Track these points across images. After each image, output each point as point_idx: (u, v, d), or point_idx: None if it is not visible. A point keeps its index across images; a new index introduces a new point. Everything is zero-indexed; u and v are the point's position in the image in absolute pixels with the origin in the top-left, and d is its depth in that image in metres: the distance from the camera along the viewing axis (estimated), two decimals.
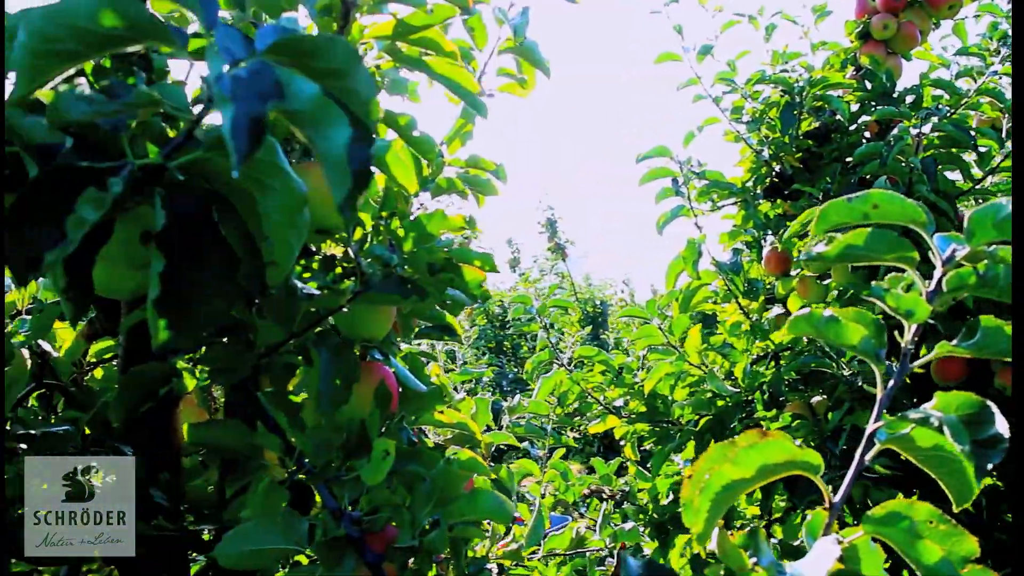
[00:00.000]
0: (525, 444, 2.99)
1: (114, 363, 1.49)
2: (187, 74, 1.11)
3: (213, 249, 0.76)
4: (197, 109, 0.67)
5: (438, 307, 1.27)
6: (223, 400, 1.51)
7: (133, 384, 0.96)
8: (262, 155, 0.76)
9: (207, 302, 0.76)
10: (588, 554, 1.67)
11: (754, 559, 0.78)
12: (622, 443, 2.56)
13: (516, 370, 7.75)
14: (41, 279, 1.45)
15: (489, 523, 1.44)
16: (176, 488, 1.26)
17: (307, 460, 0.99)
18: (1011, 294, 0.68)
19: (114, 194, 0.66)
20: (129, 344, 1.32)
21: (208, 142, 0.70)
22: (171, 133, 0.89)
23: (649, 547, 2.28)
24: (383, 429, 1.10)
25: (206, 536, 1.25)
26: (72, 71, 0.63)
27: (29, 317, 1.22)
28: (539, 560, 1.56)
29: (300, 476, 0.98)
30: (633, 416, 2.46)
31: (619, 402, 2.49)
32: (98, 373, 1.46)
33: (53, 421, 1.16)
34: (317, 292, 0.97)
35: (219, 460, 1.30)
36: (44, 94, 0.62)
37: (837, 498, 0.81)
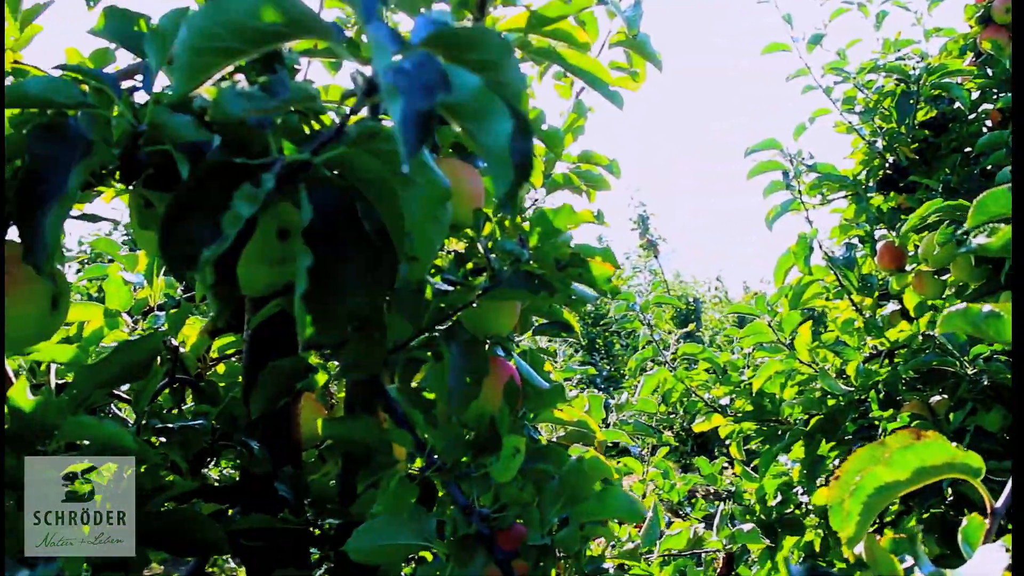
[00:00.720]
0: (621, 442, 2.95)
1: (235, 359, 1.52)
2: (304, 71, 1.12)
3: (357, 244, 0.76)
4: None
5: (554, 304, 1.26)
6: (341, 396, 1.53)
7: (272, 378, 0.97)
8: (395, 147, 0.76)
9: (351, 297, 0.76)
10: (703, 555, 1.63)
11: (906, 565, 0.74)
12: (727, 442, 2.51)
13: (608, 368, 7.70)
14: (164, 276, 1.49)
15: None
16: (299, 482, 1.27)
17: (437, 456, 0.99)
18: None
19: (267, 190, 0.67)
20: (255, 339, 1.34)
21: (352, 137, 0.69)
22: (305, 129, 0.90)
23: (755, 548, 2.23)
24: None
25: (317, 531, 1.26)
26: (229, 68, 0.63)
27: (162, 313, 1.25)
28: (648, 561, 1.53)
29: (430, 472, 0.98)
30: (739, 415, 2.41)
31: (724, 400, 2.44)
32: (220, 368, 1.50)
33: (186, 415, 1.19)
34: (449, 288, 0.97)
35: (342, 455, 1.32)
36: (208, 91, 0.63)
37: (999, 504, 0.77)
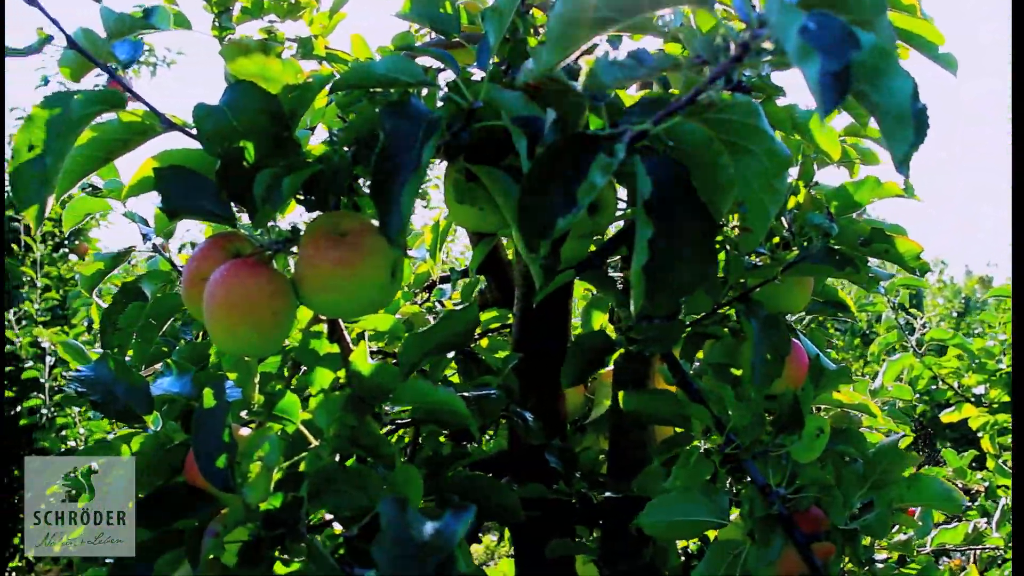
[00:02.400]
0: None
1: (498, 334, 1.56)
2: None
3: (692, 215, 0.75)
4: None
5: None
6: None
7: (580, 353, 0.98)
8: (739, 117, 0.74)
9: (686, 269, 0.75)
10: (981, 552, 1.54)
11: None
12: (979, 434, 2.35)
13: (829, 351, 7.36)
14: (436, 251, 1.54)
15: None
16: (569, 454, 1.29)
17: (735, 435, 0.97)
18: None
19: (619, 159, 0.67)
20: (525, 314, 1.37)
21: (701, 106, 0.69)
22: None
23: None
24: None
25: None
26: (594, 40, 0.64)
27: (445, 287, 1.30)
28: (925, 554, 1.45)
29: (729, 450, 0.97)
30: (995, 405, 2.25)
31: (978, 390, 2.28)
32: (484, 343, 1.54)
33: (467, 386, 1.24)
34: (758, 262, 0.95)
35: (611, 429, 1.33)
36: (588, 63, 0.64)
37: None
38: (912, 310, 2.40)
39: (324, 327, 0.92)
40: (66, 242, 4.73)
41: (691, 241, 0.75)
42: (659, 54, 0.65)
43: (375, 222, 0.84)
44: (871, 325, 4.57)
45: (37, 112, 0.80)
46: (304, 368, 0.96)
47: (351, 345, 0.89)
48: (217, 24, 1.08)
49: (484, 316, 1.51)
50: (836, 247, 0.99)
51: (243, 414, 0.92)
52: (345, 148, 0.86)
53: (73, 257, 4.69)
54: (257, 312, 0.78)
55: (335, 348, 0.88)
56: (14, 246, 4.30)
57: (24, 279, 4.11)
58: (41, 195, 0.80)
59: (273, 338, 0.81)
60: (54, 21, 0.81)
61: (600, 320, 1.25)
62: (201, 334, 1.33)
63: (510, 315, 1.48)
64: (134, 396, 0.92)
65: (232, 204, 0.85)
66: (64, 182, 0.86)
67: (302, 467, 0.84)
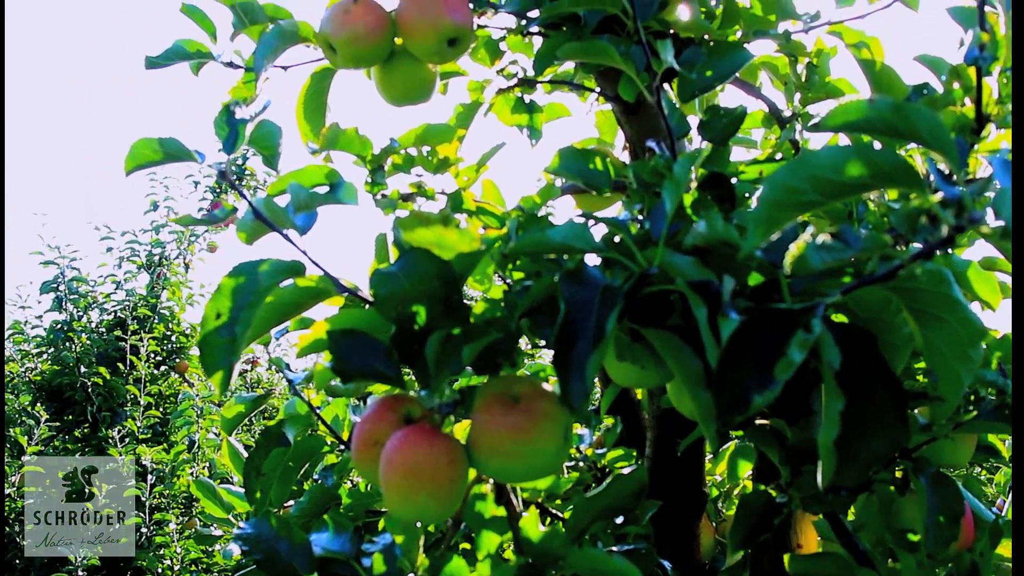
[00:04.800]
0: None
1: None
2: None
3: (882, 384, 0.74)
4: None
5: None
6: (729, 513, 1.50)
7: (747, 513, 0.96)
8: (930, 286, 0.73)
9: (875, 440, 0.73)
10: None
11: None
12: None
13: None
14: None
15: None
16: None
17: None
18: None
19: (816, 335, 0.66)
20: (658, 458, 1.35)
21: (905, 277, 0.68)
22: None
23: None
24: None
25: None
26: (799, 218, 0.64)
27: (584, 431, 1.29)
28: None
29: None
30: None
31: None
32: None
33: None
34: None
35: None
36: (798, 247, 0.64)
37: None
38: None
39: (488, 488, 0.92)
40: (166, 361, 4.88)
41: (882, 410, 0.74)
42: (867, 235, 0.65)
43: (545, 386, 0.84)
44: None
45: (225, 282, 0.83)
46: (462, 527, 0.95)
47: (518, 508, 0.88)
48: (370, 180, 1.12)
49: (610, 454, 1.50)
50: (1007, 402, 0.95)
51: None
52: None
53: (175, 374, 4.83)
54: (436, 480, 0.78)
55: (501, 511, 0.88)
56: (119, 364, 4.45)
57: (128, 396, 4.23)
58: (228, 362, 0.82)
59: (450, 505, 0.81)
60: (243, 195, 0.85)
61: (746, 469, 1.23)
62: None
63: (633, 452, 1.47)
64: (297, 555, 0.92)
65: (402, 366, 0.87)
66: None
67: None
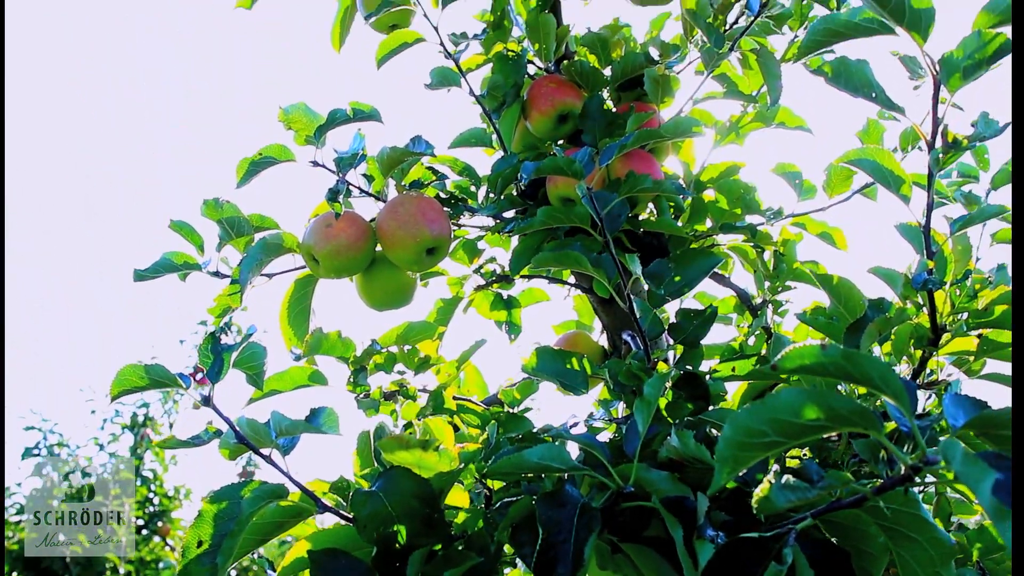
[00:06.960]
0: None
1: None
2: None
3: None
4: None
5: None
6: None
7: None
8: (899, 506, 0.75)
9: None
10: None
11: None
12: None
13: None
14: None
15: None
16: None
17: None
18: None
19: (788, 564, 0.67)
20: None
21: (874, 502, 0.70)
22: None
23: None
24: None
25: None
26: (765, 457, 0.67)
27: None
28: None
29: None
30: None
31: None
32: None
33: None
34: None
35: None
36: (763, 489, 0.66)
37: None
38: None
39: None
40: (148, 524, 4.77)
41: None
42: (831, 474, 0.67)
43: None
44: None
45: (207, 508, 0.84)
46: None
47: None
48: (352, 380, 1.15)
49: None
50: None
51: None
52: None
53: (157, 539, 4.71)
54: None
55: None
56: (100, 531, 4.35)
57: (107, 565, 4.12)
58: None
59: None
60: (227, 420, 0.87)
61: None
62: None
63: None
64: None
65: None
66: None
67: None
